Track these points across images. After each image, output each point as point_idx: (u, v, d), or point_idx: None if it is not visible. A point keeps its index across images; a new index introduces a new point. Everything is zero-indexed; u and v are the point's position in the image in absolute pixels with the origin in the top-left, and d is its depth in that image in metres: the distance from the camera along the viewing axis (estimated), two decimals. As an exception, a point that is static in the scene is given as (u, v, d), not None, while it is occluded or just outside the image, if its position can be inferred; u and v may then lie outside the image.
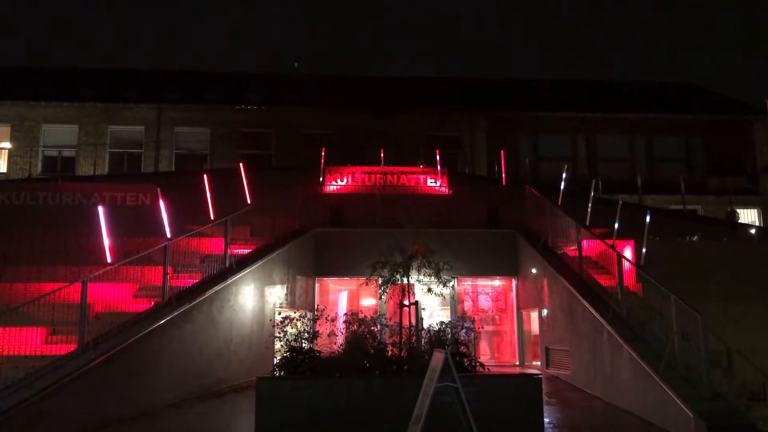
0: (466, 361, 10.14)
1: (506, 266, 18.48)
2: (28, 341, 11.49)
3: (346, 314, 10.87)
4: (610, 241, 14.39)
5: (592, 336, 13.11)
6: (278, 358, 10.33)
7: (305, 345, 10.17)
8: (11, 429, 9.09)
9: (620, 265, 12.90)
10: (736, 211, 25.79)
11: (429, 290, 11.37)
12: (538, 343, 17.15)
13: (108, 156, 28.48)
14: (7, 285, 13.45)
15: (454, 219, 18.89)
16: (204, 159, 28.73)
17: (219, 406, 12.21)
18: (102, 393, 10.62)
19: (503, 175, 23.82)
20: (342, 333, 10.59)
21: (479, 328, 17.36)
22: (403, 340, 10.47)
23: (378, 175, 22.05)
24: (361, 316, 10.58)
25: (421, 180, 22.32)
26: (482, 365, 10.40)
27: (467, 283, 19.30)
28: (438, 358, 8.55)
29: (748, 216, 28.31)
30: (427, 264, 11.08)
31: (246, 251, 15.77)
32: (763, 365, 11.29)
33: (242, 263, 14.99)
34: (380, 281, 11.35)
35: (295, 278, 16.96)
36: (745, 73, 77.04)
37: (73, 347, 11.04)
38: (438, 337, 10.30)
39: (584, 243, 15.02)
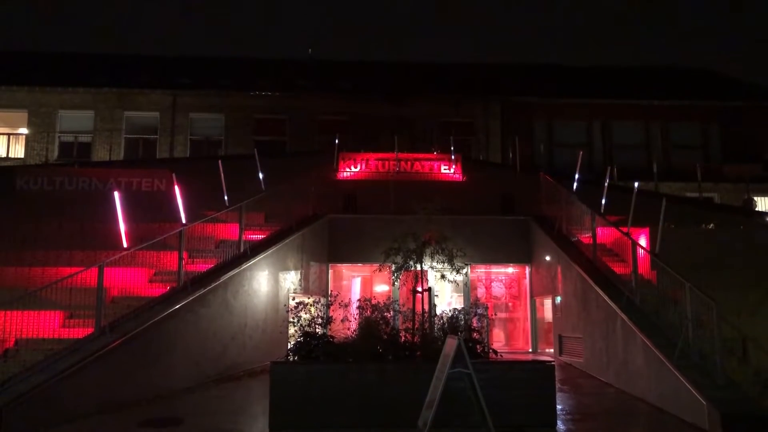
0: (479, 348, 10.14)
1: (520, 253, 18.45)
2: (46, 324, 11.67)
3: (359, 300, 10.86)
4: (624, 229, 14.30)
5: (605, 323, 13.08)
6: (292, 342, 10.38)
7: (319, 330, 10.22)
8: (30, 410, 9.27)
9: (635, 252, 12.84)
10: (753, 199, 25.54)
11: (442, 277, 11.38)
12: (551, 331, 17.15)
13: (123, 142, 28.66)
14: (25, 269, 13.63)
15: (467, 206, 18.85)
16: (218, 145, 28.87)
17: (234, 389, 12.36)
18: (119, 376, 10.78)
19: (517, 162, 23.66)
20: (355, 319, 10.62)
21: (492, 314, 17.32)
22: (416, 326, 10.49)
23: (392, 162, 22.00)
24: (374, 302, 10.58)
25: (435, 167, 22.24)
26: (495, 352, 10.38)
27: (480, 270, 19.30)
28: (451, 344, 8.58)
29: (766, 204, 27.98)
30: (440, 251, 11.07)
31: (260, 237, 15.88)
32: (779, 354, 11.23)
33: (257, 249, 15.07)
34: (393, 267, 11.36)
35: (309, 264, 17.04)
36: (762, 58, 75.89)
37: (90, 330, 11.18)
38: (451, 324, 10.30)
39: (599, 230, 14.96)
